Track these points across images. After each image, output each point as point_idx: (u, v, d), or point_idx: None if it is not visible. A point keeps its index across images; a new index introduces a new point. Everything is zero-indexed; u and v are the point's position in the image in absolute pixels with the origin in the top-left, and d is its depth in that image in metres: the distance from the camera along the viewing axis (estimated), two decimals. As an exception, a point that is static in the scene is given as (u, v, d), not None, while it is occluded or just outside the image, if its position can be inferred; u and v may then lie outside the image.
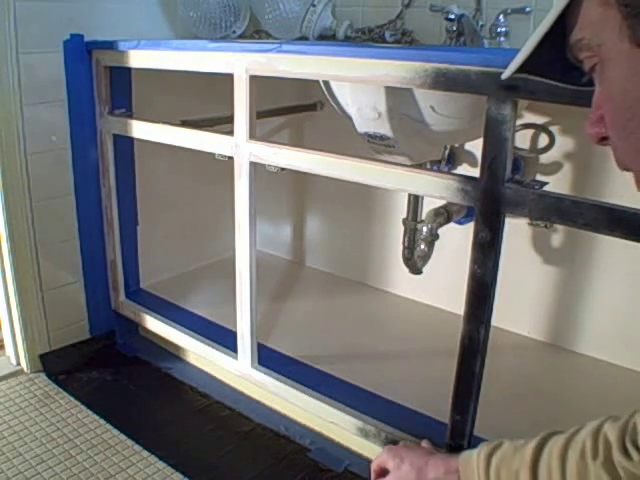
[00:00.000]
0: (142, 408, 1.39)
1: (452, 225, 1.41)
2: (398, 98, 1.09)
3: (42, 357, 1.50)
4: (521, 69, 0.50)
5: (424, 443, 1.03)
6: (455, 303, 1.44)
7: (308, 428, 1.29)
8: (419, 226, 1.40)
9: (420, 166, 1.22)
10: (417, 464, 0.88)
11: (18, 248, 1.39)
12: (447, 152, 1.43)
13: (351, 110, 1.19)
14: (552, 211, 0.84)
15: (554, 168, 1.32)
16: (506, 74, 0.51)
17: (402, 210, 1.46)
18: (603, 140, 0.46)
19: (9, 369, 1.50)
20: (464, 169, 1.47)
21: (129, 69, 1.39)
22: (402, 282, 1.68)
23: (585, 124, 0.48)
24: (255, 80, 1.11)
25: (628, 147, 0.44)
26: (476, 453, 0.81)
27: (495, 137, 0.85)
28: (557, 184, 1.26)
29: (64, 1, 1.34)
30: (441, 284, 1.57)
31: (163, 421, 1.34)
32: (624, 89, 0.41)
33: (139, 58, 1.30)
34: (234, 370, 1.36)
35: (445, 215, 1.37)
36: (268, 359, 1.33)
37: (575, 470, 0.67)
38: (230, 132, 1.18)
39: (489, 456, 0.78)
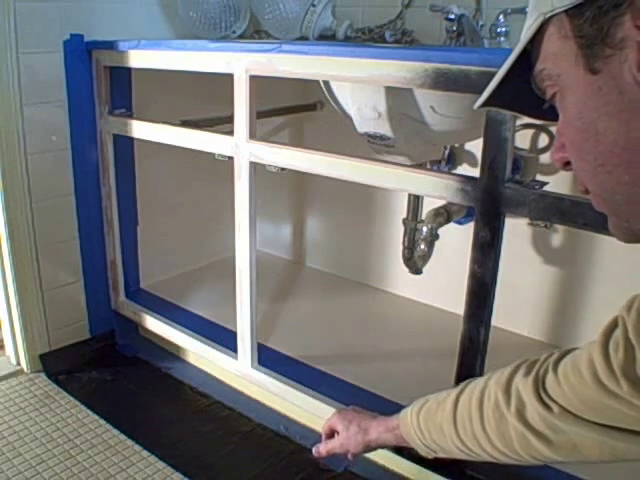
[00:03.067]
0: (142, 408, 1.39)
1: (452, 225, 1.41)
2: (398, 98, 1.09)
3: (42, 357, 1.50)
4: (493, 102, 0.53)
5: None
6: (455, 303, 1.44)
7: (308, 428, 1.29)
8: (419, 226, 1.40)
9: (420, 166, 1.22)
10: (364, 425, 0.95)
11: (18, 248, 1.39)
12: (447, 152, 1.43)
13: (351, 110, 1.19)
14: (552, 211, 0.84)
15: (554, 168, 1.32)
16: (477, 105, 0.55)
17: (402, 210, 1.46)
18: (567, 165, 0.49)
19: (9, 369, 1.50)
20: (464, 169, 1.47)
21: (129, 69, 1.39)
22: (402, 282, 1.68)
23: (550, 153, 0.50)
24: (255, 80, 1.11)
25: (585, 167, 0.47)
26: (409, 411, 0.87)
27: (495, 137, 0.85)
28: (557, 184, 1.26)
29: (64, 1, 1.34)
30: (441, 284, 1.57)
31: (163, 421, 1.34)
32: (580, 113, 0.44)
33: (139, 58, 1.30)
34: (234, 370, 1.36)
35: (445, 215, 1.37)
36: (268, 359, 1.33)
37: (493, 420, 0.72)
38: (230, 132, 1.18)
39: (418, 413, 0.85)
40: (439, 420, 0.81)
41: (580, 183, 0.49)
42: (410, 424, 0.86)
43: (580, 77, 0.43)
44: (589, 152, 0.45)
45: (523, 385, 0.70)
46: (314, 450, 1.02)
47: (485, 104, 0.54)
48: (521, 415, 0.69)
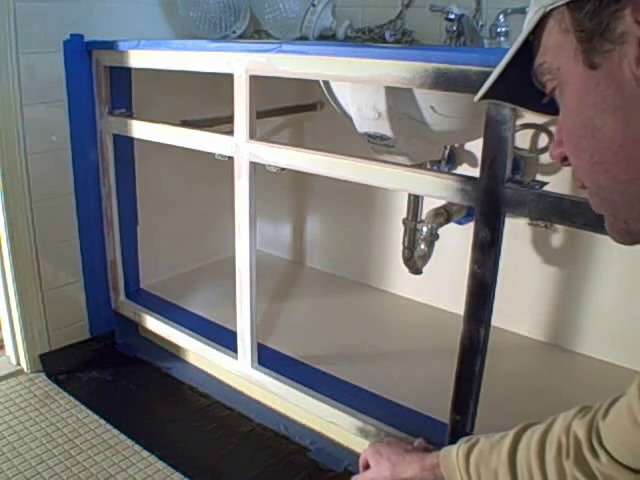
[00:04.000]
0: (142, 408, 1.39)
1: (452, 225, 1.41)
2: (398, 98, 1.09)
3: (42, 357, 1.50)
4: (493, 94, 0.53)
5: (417, 442, 1.02)
6: (455, 303, 1.44)
7: (308, 428, 1.29)
8: (419, 226, 1.40)
9: (420, 166, 1.22)
10: (394, 460, 0.91)
11: (18, 248, 1.39)
12: (447, 152, 1.43)
13: (351, 110, 1.19)
14: (552, 211, 0.84)
15: (554, 168, 1.32)
16: (478, 97, 0.54)
17: (402, 210, 1.46)
18: (565, 160, 0.49)
19: (9, 369, 1.50)
20: (464, 169, 1.47)
21: (129, 69, 1.39)
22: (402, 282, 1.68)
23: (549, 149, 0.50)
24: (255, 80, 1.11)
25: (582, 164, 0.46)
26: (455, 450, 0.81)
27: (495, 137, 0.85)
28: (557, 184, 1.26)
29: (64, 1, 1.34)
30: (441, 284, 1.57)
31: (163, 421, 1.34)
32: (577, 109, 0.44)
33: (139, 58, 1.30)
34: (234, 370, 1.36)
35: (445, 215, 1.37)
36: (268, 359, 1.33)
37: (554, 468, 0.67)
38: (230, 132, 1.18)
39: (467, 454, 0.78)
40: (493, 465, 0.74)
41: (578, 179, 0.49)
42: (456, 465, 0.79)
43: (579, 72, 0.43)
44: (585, 149, 0.45)
45: (578, 428, 0.65)
46: None
47: (485, 96, 0.53)
48: (579, 461, 0.64)
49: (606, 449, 0.62)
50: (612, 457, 0.61)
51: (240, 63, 1.11)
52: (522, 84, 0.51)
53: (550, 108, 0.51)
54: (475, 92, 0.86)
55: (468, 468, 0.77)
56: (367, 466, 0.98)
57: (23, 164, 1.35)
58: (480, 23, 1.29)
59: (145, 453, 1.23)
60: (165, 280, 1.74)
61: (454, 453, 0.80)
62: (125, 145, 1.49)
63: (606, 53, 0.40)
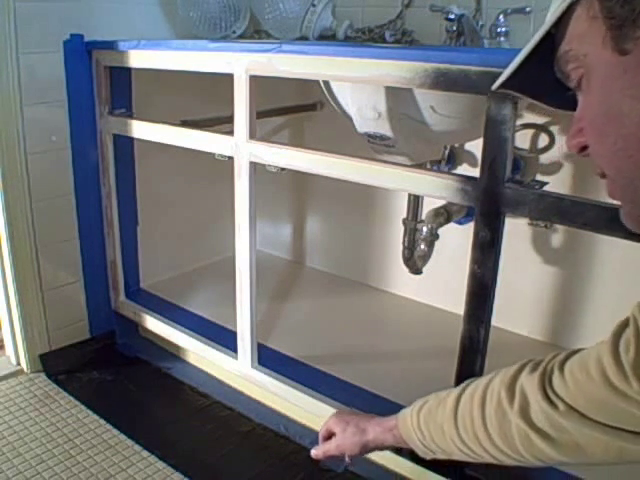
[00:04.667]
0: (142, 408, 1.39)
1: (452, 225, 1.41)
2: (398, 98, 1.09)
3: (42, 357, 1.50)
4: (510, 85, 0.53)
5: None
6: (455, 303, 1.44)
7: (308, 428, 1.29)
8: (419, 226, 1.40)
9: (420, 166, 1.22)
10: (361, 425, 0.93)
11: (18, 248, 1.39)
12: (447, 152, 1.43)
13: (351, 110, 1.19)
14: (552, 211, 0.84)
15: (554, 168, 1.32)
16: (496, 85, 0.54)
17: (402, 210, 1.46)
18: (584, 149, 0.49)
19: (9, 369, 1.50)
20: (464, 169, 1.47)
21: (129, 69, 1.39)
22: (402, 282, 1.68)
23: (566, 139, 0.51)
24: (255, 80, 1.11)
25: (604, 151, 0.46)
26: (409, 410, 0.85)
27: (495, 137, 0.85)
28: (557, 184, 1.26)
29: (64, 1, 1.34)
30: (441, 284, 1.57)
31: (163, 421, 1.34)
32: (605, 94, 0.44)
33: (139, 58, 1.30)
34: (234, 370, 1.36)
35: (445, 215, 1.37)
36: (268, 359, 1.33)
37: (495, 418, 0.70)
38: (230, 132, 1.18)
39: (419, 412, 0.83)
40: (440, 419, 0.79)
41: (597, 166, 0.49)
42: (410, 424, 0.84)
43: (607, 58, 0.43)
44: (609, 135, 0.45)
45: (528, 383, 0.68)
46: (312, 452, 1.01)
47: (503, 86, 0.53)
48: (525, 413, 0.67)
49: (564, 399, 0.64)
50: (570, 406, 0.63)
51: (240, 63, 1.11)
52: (538, 78, 0.51)
53: (567, 103, 0.51)
54: (475, 92, 0.86)
55: (419, 425, 0.82)
56: (328, 437, 0.99)
57: (23, 164, 1.35)
58: (480, 23, 1.29)
59: (145, 453, 1.23)
60: (165, 280, 1.74)
61: (408, 413, 0.85)
62: (125, 145, 1.49)
63: (637, 40, 0.41)
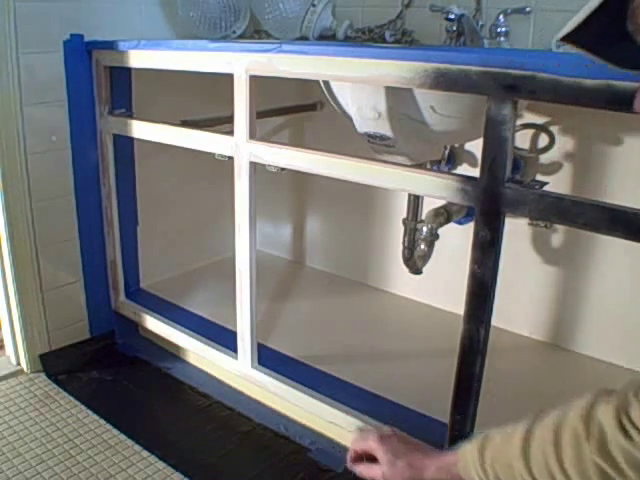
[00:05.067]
0: (142, 408, 1.39)
1: (452, 225, 1.41)
2: (398, 98, 1.09)
3: (42, 357, 1.50)
4: (576, 37, 0.50)
5: (387, 429, 0.96)
6: (455, 303, 1.44)
7: (308, 428, 1.29)
8: (419, 226, 1.40)
9: (420, 166, 1.22)
10: (416, 465, 0.86)
11: (18, 248, 1.39)
12: (447, 152, 1.43)
13: (351, 110, 1.19)
14: (552, 211, 0.84)
15: (554, 168, 1.32)
16: (559, 36, 0.51)
17: (402, 210, 1.46)
18: None
19: (9, 369, 1.50)
20: (464, 169, 1.47)
21: (129, 69, 1.39)
22: (402, 282, 1.68)
23: (635, 101, 0.50)
24: (255, 80, 1.11)
25: None
26: (470, 447, 0.79)
27: (495, 137, 0.85)
28: (557, 184, 1.26)
29: (64, 1, 1.34)
30: (441, 284, 1.57)
31: (163, 421, 1.34)
32: None
33: (139, 58, 1.30)
34: (234, 370, 1.36)
35: (445, 215, 1.37)
36: (268, 359, 1.33)
37: (572, 455, 0.65)
38: (230, 132, 1.18)
39: (481, 450, 0.77)
40: (508, 457, 0.72)
41: None
42: (472, 462, 0.77)
43: None
44: None
45: (604, 414, 0.63)
46: (350, 461, 0.93)
47: (565, 38, 0.51)
48: (603, 449, 0.61)
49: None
50: None
51: (240, 63, 1.11)
52: (603, 32, 0.49)
53: (627, 60, 0.50)
54: (475, 92, 0.86)
55: (484, 463, 0.76)
56: (359, 457, 0.92)
57: (23, 164, 1.35)
58: (480, 23, 1.29)
59: (145, 453, 1.23)
60: (165, 280, 1.74)
61: (468, 450, 0.79)
62: (125, 145, 1.49)
63: None
